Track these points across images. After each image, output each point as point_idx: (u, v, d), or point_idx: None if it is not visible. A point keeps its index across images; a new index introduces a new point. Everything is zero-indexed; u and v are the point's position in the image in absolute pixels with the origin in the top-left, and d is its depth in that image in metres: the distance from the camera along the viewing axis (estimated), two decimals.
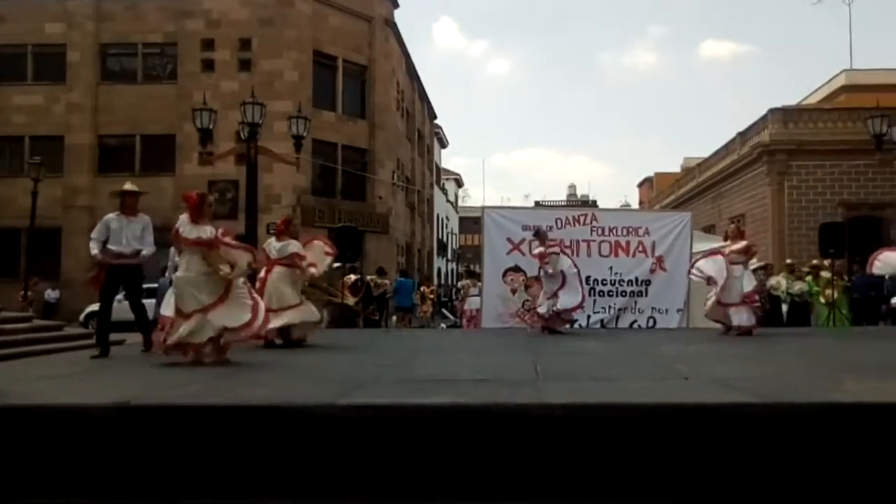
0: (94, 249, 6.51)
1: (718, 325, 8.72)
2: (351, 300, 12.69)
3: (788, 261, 14.69)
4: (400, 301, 15.55)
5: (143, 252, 6.60)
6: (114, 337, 7.04)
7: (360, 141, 24.71)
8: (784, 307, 12.84)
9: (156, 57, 23.35)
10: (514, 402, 3.63)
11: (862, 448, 3.07)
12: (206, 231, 5.68)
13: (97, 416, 3.40)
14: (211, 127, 13.91)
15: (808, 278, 12.87)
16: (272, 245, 7.25)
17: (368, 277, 13.83)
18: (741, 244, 8.71)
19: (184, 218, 5.78)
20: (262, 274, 7.10)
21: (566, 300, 8.81)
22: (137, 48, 23.08)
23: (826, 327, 11.74)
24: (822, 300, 12.26)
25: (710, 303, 8.61)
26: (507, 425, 3.25)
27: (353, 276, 13.37)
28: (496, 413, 3.37)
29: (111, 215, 6.69)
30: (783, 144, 21.70)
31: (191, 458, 3.19)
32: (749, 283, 8.48)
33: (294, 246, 7.23)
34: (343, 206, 23.33)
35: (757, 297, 8.67)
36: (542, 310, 8.97)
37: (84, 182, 22.26)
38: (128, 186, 6.91)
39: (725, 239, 9.12)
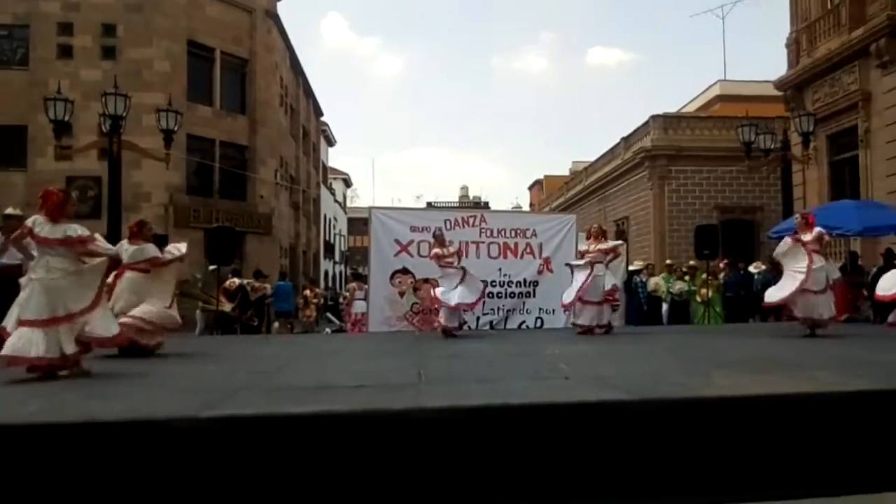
0: None
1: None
2: (227, 306, 12.04)
3: (668, 261, 15.34)
4: (279, 306, 14.95)
5: None
6: None
7: (240, 137, 23.74)
8: (665, 307, 13.41)
9: (3, 40, 21.25)
10: (392, 407, 3.52)
11: (730, 439, 3.21)
12: (73, 229, 5.15)
13: None
14: (67, 118, 12.70)
15: (687, 278, 13.48)
16: (123, 248, 6.68)
17: (245, 281, 13.16)
18: (610, 244, 9.15)
19: (38, 217, 5.13)
20: (110, 279, 6.48)
21: (465, 294, 8.74)
22: None
23: (701, 325, 12.32)
24: (698, 299, 12.93)
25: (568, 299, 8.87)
26: (384, 432, 3.16)
27: (236, 281, 12.68)
28: (373, 419, 3.26)
29: None
30: (664, 150, 22.69)
31: (33, 482, 2.87)
32: (610, 282, 8.83)
33: (152, 250, 6.75)
34: (221, 206, 22.28)
35: (616, 296, 9.02)
36: (442, 319, 8.82)
37: None
38: None
39: (588, 238, 9.43)
